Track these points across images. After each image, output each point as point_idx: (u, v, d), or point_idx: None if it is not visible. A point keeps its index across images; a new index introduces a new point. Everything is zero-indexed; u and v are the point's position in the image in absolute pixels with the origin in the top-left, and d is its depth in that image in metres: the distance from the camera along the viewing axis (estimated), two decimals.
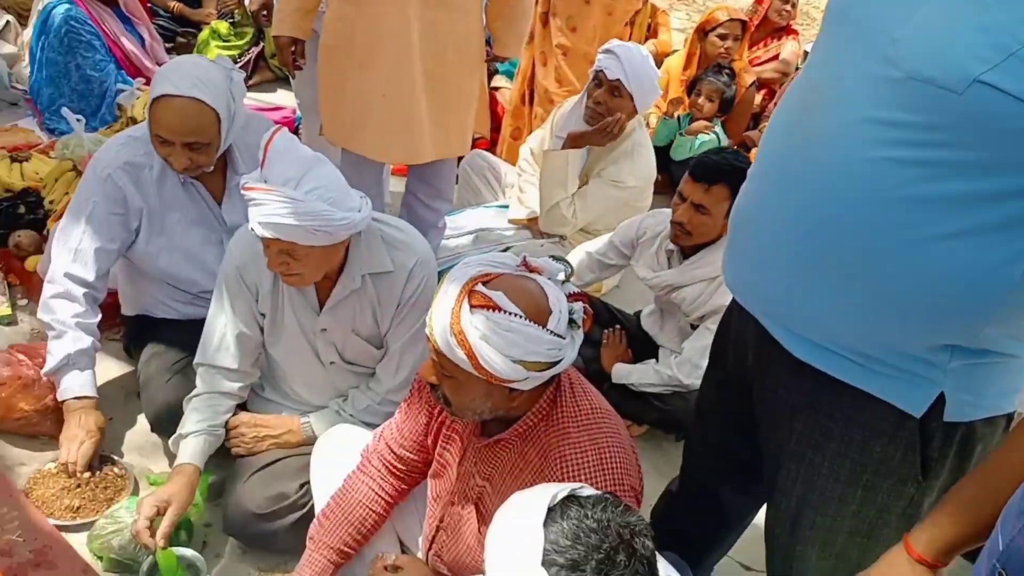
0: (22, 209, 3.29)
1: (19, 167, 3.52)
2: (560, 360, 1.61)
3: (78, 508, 2.33)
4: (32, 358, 2.55)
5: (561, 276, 1.66)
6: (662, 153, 4.71)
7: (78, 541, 2.24)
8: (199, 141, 2.35)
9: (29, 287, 3.10)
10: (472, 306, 1.56)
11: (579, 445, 1.69)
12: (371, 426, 2.32)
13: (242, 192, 2.06)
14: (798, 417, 1.54)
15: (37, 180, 3.47)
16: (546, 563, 1.22)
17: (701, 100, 4.58)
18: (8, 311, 3.02)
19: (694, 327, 2.86)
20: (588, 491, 1.32)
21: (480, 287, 1.57)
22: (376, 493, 2.00)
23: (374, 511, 2.00)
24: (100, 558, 2.23)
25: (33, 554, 2.10)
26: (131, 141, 2.52)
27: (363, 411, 2.38)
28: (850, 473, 1.51)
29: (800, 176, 1.40)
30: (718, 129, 4.61)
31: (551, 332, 1.58)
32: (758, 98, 4.97)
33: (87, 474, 2.40)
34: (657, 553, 1.33)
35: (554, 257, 1.72)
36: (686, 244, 2.79)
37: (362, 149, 3.02)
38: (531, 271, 1.65)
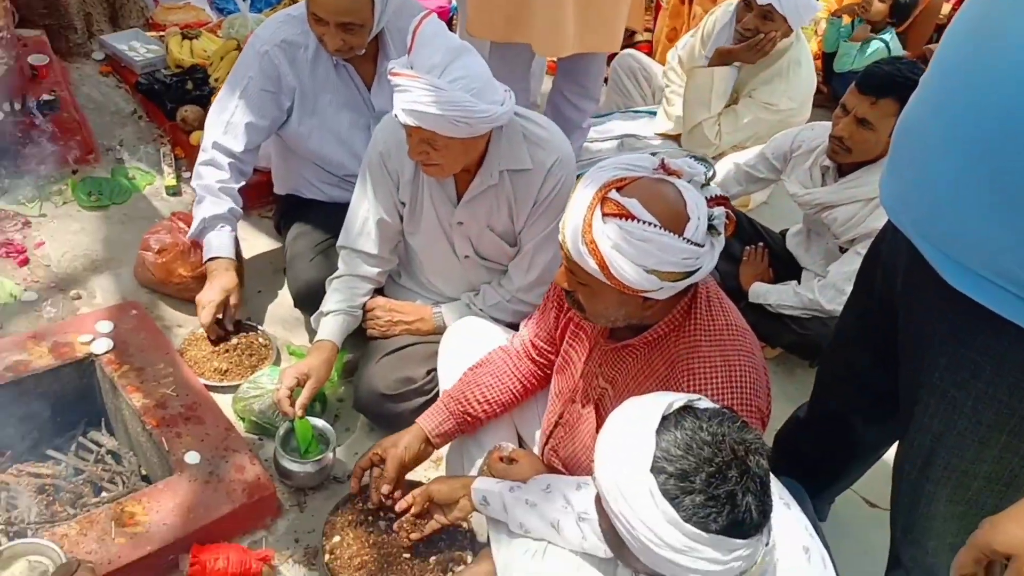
0: (190, 85, 3.45)
1: (189, 44, 3.67)
2: (697, 269, 1.55)
3: (225, 371, 2.50)
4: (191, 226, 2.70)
5: (702, 178, 1.59)
6: (829, 62, 4.40)
7: (223, 401, 2.41)
8: (353, 22, 2.37)
9: (193, 160, 3.27)
10: (604, 214, 1.51)
11: (709, 360, 1.65)
12: (499, 322, 2.36)
13: (389, 77, 2.07)
14: (944, 351, 1.44)
15: (205, 57, 3.62)
16: (655, 470, 1.20)
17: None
18: (173, 182, 3.21)
19: (842, 250, 2.71)
20: (705, 403, 1.29)
21: (613, 194, 1.52)
22: (511, 370, 2.05)
23: (506, 385, 2.05)
24: (242, 419, 2.39)
25: (184, 409, 2.27)
26: (289, 20, 2.57)
27: (493, 307, 2.41)
28: (995, 416, 1.40)
29: (985, 79, 1.25)
30: (888, 36, 4.24)
31: (688, 240, 1.51)
32: (946, 7, 4.53)
33: (234, 340, 2.57)
34: (772, 475, 1.29)
35: (696, 158, 1.64)
36: (844, 161, 2.62)
37: (505, 36, 2.97)
38: (670, 174, 1.58)
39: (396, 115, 2.04)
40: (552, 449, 2.00)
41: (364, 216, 2.39)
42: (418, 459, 2.08)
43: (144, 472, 2.33)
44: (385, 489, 2.05)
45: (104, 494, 2.24)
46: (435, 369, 2.32)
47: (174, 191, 3.20)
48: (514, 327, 2.27)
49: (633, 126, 3.73)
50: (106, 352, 2.38)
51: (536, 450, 2.13)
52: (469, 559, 2.11)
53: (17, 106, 3.11)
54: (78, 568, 1.71)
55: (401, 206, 2.39)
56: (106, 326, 2.44)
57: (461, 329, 2.32)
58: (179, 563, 1.97)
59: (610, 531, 1.32)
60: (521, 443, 2.23)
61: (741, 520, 1.19)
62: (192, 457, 2.15)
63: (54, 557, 1.86)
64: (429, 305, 2.48)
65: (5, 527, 2.10)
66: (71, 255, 2.88)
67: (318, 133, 2.66)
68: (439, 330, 2.41)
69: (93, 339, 2.40)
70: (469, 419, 2.07)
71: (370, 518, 2.16)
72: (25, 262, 2.81)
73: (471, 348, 2.22)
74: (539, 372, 2.09)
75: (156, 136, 3.44)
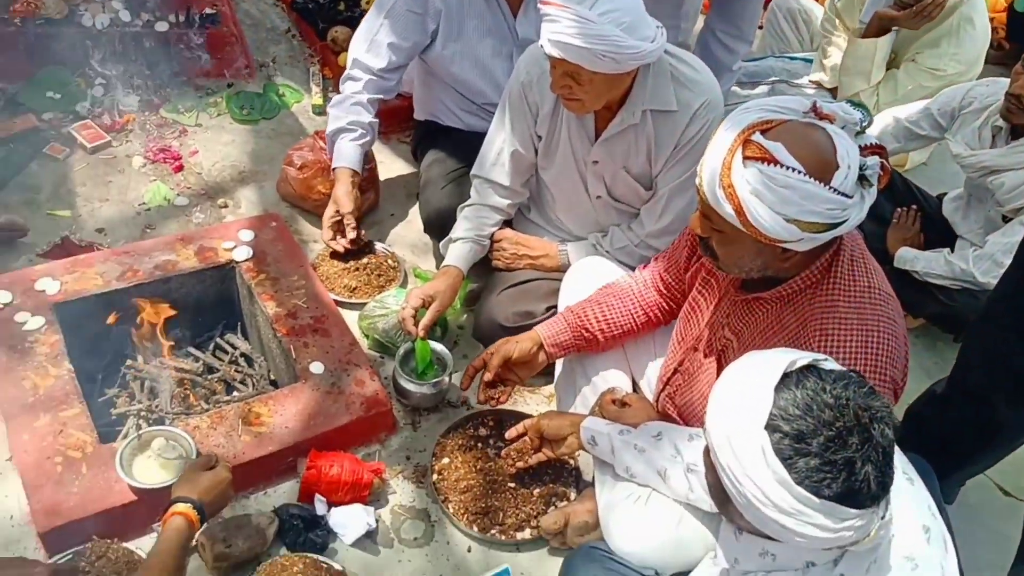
0: (342, 6, 3.51)
1: None
2: (842, 222, 1.46)
3: (354, 288, 2.58)
4: None
5: (857, 125, 1.48)
6: (1017, 17, 4.03)
7: (349, 317, 2.49)
8: None
9: (339, 80, 3.33)
10: (746, 157, 1.44)
11: (845, 322, 1.56)
12: (625, 265, 2.32)
13: (539, 5, 2.03)
14: None
15: None
16: (769, 427, 1.15)
17: None
18: (320, 101, 3.30)
19: (1005, 220, 2.50)
20: (832, 365, 1.22)
21: (757, 136, 1.44)
22: (636, 296, 2.03)
23: (627, 309, 2.03)
24: (366, 336, 2.47)
25: (313, 320, 2.36)
26: None
27: (620, 250, 2.36)
28: None
29: None
30: None
31: (834, 190, 1.42)
32: None
33: (364, 259, 2.64)
34: (898, 448, 1.22)
35: (852, 103, 1.52)
36: (1019, 122, 2.40)
37: None
38: (821, 118, 1.48)
39: (541, 45, 2.00)
40: (668, 396, 1.97)
41: (499, 147, 2.38)
42: (526, 360, 2.08)
43: (272, 377, 2.45)
44: (487, 377, 2.07)
45: (235, 393, 2.37)
46: (555, 306, 2.31)
47: (320, 110, 3.28)
48: None
49: (787, 72, 3.54)
50: (246, 260, 2.49)
51: (650, 396, 2.10)
52: (572, 496, 2.13)
53: (181, 18, 3.24)
54: (216, 463, 1.81)
55: (537, 140, 2.36)
56: (248, 235, 2.55)
57: (585, 268, 2.30)
58: (297, 466, 2.07)
59: (716, 485, 1.29)
60: (635, 387, 2.20)
61: (857, 489, 1.13)
62: (317, 367, 2.24)
63: (185, 446, 1.99)
64: (555, 242, 2.46)
65: (146, 413, 2.26)
66: (221, 165, 3.01)
67: (460, 59, 2.66)
68: (563, 268, 2.40)
69: (235, 246, 2.51)
70: (586, 335, 2.06)
71: (479, 444, 2.20)
72: (180, 168, 2.97)
73: (593, 287, 2.19)
74: (663, 305, 2.05)
75: (307, 55, 3.52)
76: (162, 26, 3.20)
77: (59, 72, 3.11)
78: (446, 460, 2.17)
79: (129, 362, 2.40)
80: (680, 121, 2.16)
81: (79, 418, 2.06)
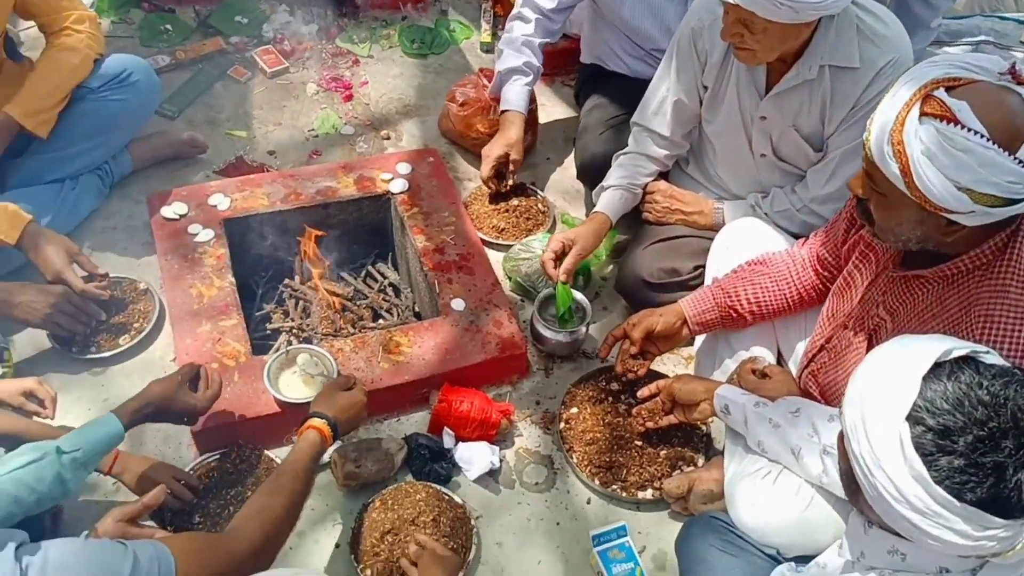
0: None
1: None
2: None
3: (502, 229, 2.58)
4: None
5: None
6: None
7: (494, 258, 2.50)
8: None
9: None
10: (923, 114, 1.30)
11: (1016, 310, 1.42)
12: (784, 231, 2.20)
13: None
14: None
15: None
16: (912, 419, 1.06)
17: None
18: (488, 38, 3.29)
19: None
20: (994, 358, 1.10)
21: (940, 92, 1.31)
22: (792, 276, 1.94)
23: (781, 291, 1.94)
24: (509, 278, 2.47)
25: (459, 257, 2.38)
26: None
27: (780, 213, 2.24)
28: None
29: None
30: None
31: (1020, 162, 1.27)
32: None
33: (515, 201, 2.63)
34: None
35: None
36: None
37: None
38: (1020, 83, 1.32)
39: None
40: (811, 373, 1.87)
41: (663, 95, 2.29)
42: (668, 335, 2.04)
43: (417, 309, 2.51)
44: (633, 350, 2.04)
45: (380, 321, 2.44)
46: (702, 266, 2.23)
47: (487, 47, 3.27)
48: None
49: (995, 33, 3.21)
50: (401, 192, 2.54)
51: (794, 370, 2.00)
52: (700, 462, 2.07)
53: None
54: (354, 385, 1.88)
55: (703, 90, 2.26)
56: (405, 168, 2.60)
57: (740, 230, 2.20)
58: (429, 397, 2.11)
59: (847, 472, 1.21)
60: (779, 359, 2.10)
61: (1005, 497, 1.02)
62: (458, 304, 2.27)
63: (328, 366, 2.08)
64: (711, 199, 2.36)
65: (297, 331, 2.37)
66: (387, 97, 3.08)
67: (632, 1, 2.56)
68: (716, 226, 2.30)
69: (392, 178, 2.57)
70: (734, 315, 1.99)
71: (610, 398, 2.18)
72: (349, 98, 3.05)
73: (746, 250, 2.10)
74: (819, 286, 1.94)
75: None
76: None
77: None
78: (575, 410, 2.15)
79: (287, 281, 2.52)
80: (861, 80, 1.99)
81: (236, 329, 2.19)
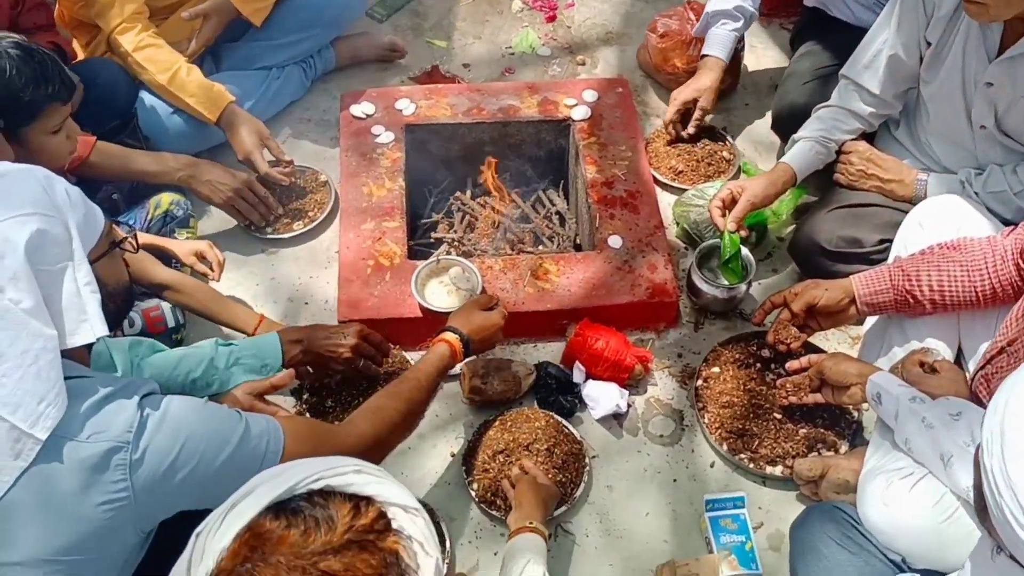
0: None
1: None
2: None
3: (680, 172, 2.46)
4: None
5: None
6: None
7: (665, 200, 2.40)
8: None
9: None
10: None
11: None
12: (995, 215, 1.94)
13: None
14: None
15: None
16: None
17: None
18: None
19: None
20: None
21: None
22: (988, 266, 1.72)
23: (972, 282, 1.73)
24: (676, 223, 2.36)
25: (626, 194, 2.30)
26: None
27: (993, 195, 1.97)
28: None
29: None
30: None
31: None
32: None
33: (700, 144, 2.50)
34: None
35: None
36: None
37: None
38: None
39: None
40: (985, 376, 1.66)
41: (878, 47, 2.07)
42: (832, 311, 1.89)
43: (578, 241, 2.46)
44: (784, 316, 1.91)
45: (540, 248, 2.42)
46: (890, 241, 2.02)
47: None
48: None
49: None
50: (582, 119, 2.48)
51: (970, 370, 1.79)
52: (842, 449, 1.92)
53: None
54: (496, 305, 1.88)
55: (925, 46, 2.01)
56: (591, 96, 2.53)
57: (941, 206, 1.96)
58: (566, 329, 2.08)
59: (977, 487, 1.06)
60: (959, 356, 1.88)
61: None
62: (615, 240, 2.20)
63: (474, 281, 2.09)
64: (916, 168, 2.12)
65: (457, 243, 2.40)
66: (591, 23, 2.99)
67: None
68: (914, 200, 2.07)
69: (576, 104, 2.51)
70: (911, 301, 1.80)
71: (758, 364, 2.05)
72: (552, 19, 2.99)
73: (944, 231, 1.88)
74: (1018, 282, 1.71)
75: None
76: None
77: None
78: (716, 369, 2.05)
79: (458, 194, 2.55)
80: None
81: (397, 231, 2.24)
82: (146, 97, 2.34)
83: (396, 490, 0.92)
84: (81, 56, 2.42)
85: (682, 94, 2.44)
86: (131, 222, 2.17)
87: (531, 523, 1.64)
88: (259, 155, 2.29)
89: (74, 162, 1.97)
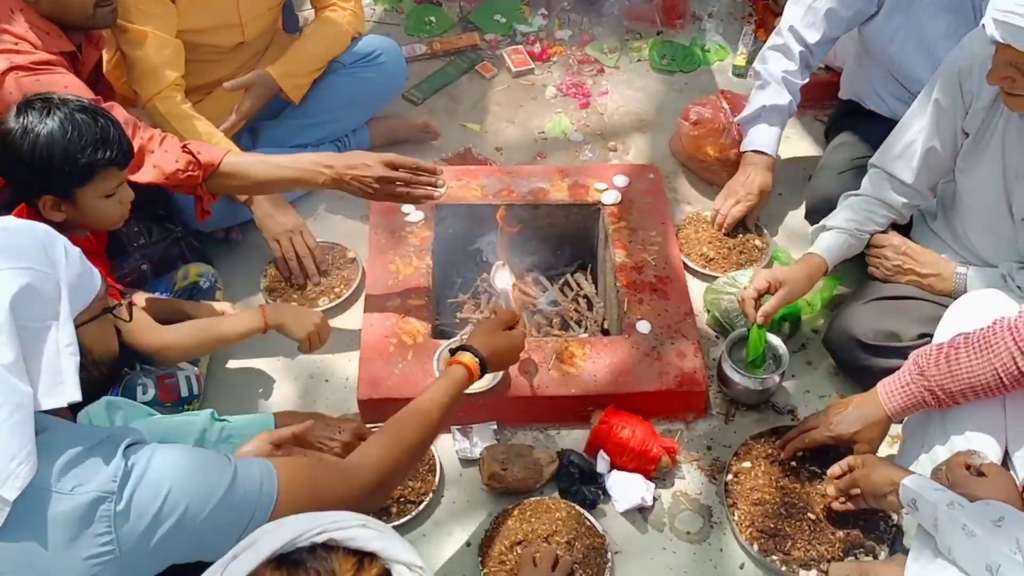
0: None
1: None
2: None
3: (711, 259, 2.43)
4: (735, 109, 2.61)
5: None
6: None
7: (696, 287, 2.35)
8: None
9: None
10: None
11: None
12: None
13: None
14: None
15: None
16: None
17: None
18: (743, 62, 3.12)
19: None
20: None
21: None
22: (1012, 357, 1.62)
23: (997, 375, 1.64)
24: (707, 311, 2.31)
25: (656, 279, 2.26)
26: None
27: None
28: None
29: None
30: None
31: None
32: None
33: (732, 235, 2.47)
34: None
35: None
36: None
37: None
38: None
39: (984, 24, 1.65)
40: None
41: (912, 137, 2.04)
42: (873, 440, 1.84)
43: (606, 325, 2.41)
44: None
45: (567, 332, 2.38)
46: (930, 336, 1.95)
47: (740, 71, 3.11)
48: None
49: None
50: (612, 204, 2.46)
51: (1018, 471, 1.69)
52: (881, 555, 1.81)
53: None
54: (516, 325, 1.83)
55: (963, 136, 1.98)
56: (622, 181, 2.52)
57: (983, 302, 1.89)
58: (591, 416, 2.01)
59: None
60: (1006, 458, 1.78)
61: None
62: (643, 326, 2.15)
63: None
64: (954, 261, 2.06)
65: None
66: (624, 109, 3.01)
67: (904, 35, 2.31)
68: (955, 294, 2.01)
69: (606, 189, 2.49)
70: (942, 397, 1.73)
71: (792, 462, 1.96)
72: (586, 106, 3.02)
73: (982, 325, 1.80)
74: None
75: (745, 14, 3.35)
76: None
77: None
78: (747, 464, 1.96)
79: (484, 275, 2.52)
80: None
81: (422, 310, 2.22)
82: None
83: (401, 547, 0.89)
84: None
85: (751, 197, 2.44)
86: (157, 292, 2.17)
87: None
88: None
89: (207, 169, 1.98)
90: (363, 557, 0.87)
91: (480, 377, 1.70)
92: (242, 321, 2.00)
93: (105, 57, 2.49)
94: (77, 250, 1.29)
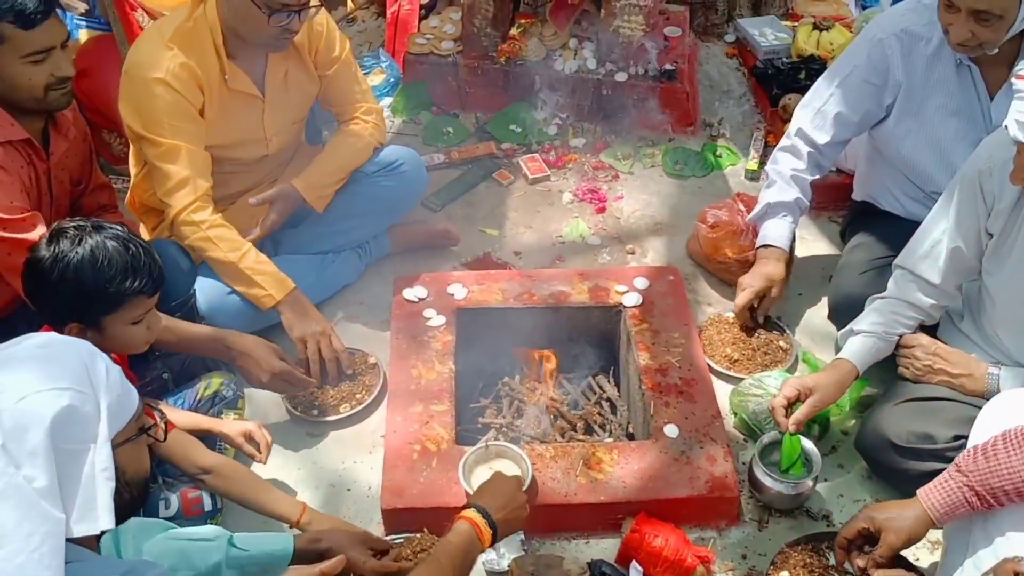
0: (803, 74, 3.35)
1: (818, 35, 3.54)
2: None
3: (735, 361, 2.41)
4: (751, 211, 2.63)
5: None
6: None
7: (722, 389, 2.33)
8: (989, 11, 1.98)
9: None
10: None
11: None
12: None
13: (1012, 80, 1.71)
14: None
15: (829, 50, 3.47)
16: None
17: None
18: (755, 166, 3.18)
19: None
20: None
21: None
22: None
23: None
24: (734, 413, 2.28)
25: (681, 382, 2.24)
26: (918, 8, 2.29)
27: None
28: None
29: None
30: None
31: None
32: None
33: (756, 334, 2.46)
34: None
35: None
36: None
37: None
38: None
39: (1006, 126, 1.68)
40: None
41: (937, 238, 2.05)
42: (915, 541, 1.76)
43: (631, 430, 2.38)
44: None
45: (593, 436, 2.34)
46: (965, 437, 1.91)
47: (753, 175, 3.16)
48: None
49: None
50: (633, 306, 2.46)
51: None
52: None
53: (641, 71, 3.35)
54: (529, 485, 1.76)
55: (987, 237, 1.99)
56: (642, 283, 2.53)
57: (1018, 400, 1.86)
58: (622, 524, 1.96)
59: None
60: None
61: None
62: (671, 430, 2.12)
63: (523, 469, 1.99)
64: (986, 362, 2.04)
65: (506, 429, 2.33)
66: (640, 213, 3.05)
67: (914, 138, 2.36)
68: (988, 394, 1.98)
69: (627, 291, 2.50)
70: (990, 502, 1.67)
71: (829, 569, 1.89)
72: (602, 211, 3.06)
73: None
74: None
75: (755, 121, 3.43)
76: (621, 76, 3.34)
77: (524, 109, 3.41)
78: (785, 573, 1.89)
79: (506, 379, 2.51)
80: None
81: (445, 415, 2.19)
82: (202, 280, 2.39)
83: None
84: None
85: (755, 282, 2.42)
86: (180, 402, 2.15)
87: None
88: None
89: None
90: None
91: (492, 541, 1.63)
92: (281, 506, 1.91)
93: (132, 171, 2.56)
94: (117, 368, 1.28)
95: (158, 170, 2.32)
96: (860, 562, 1.76)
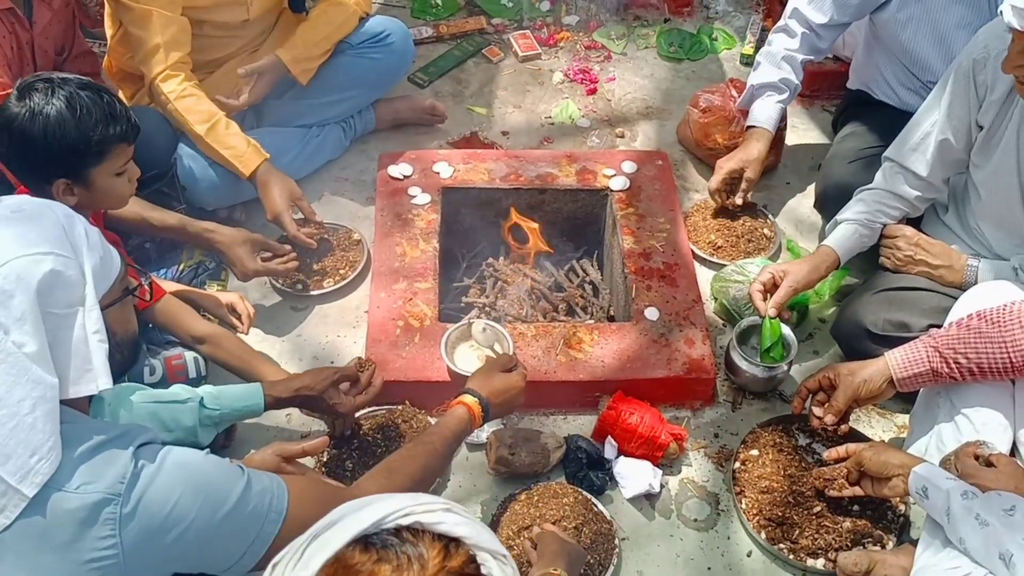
0: None
1: None
2: None
3: (719, 247, 2.42)
4: None
5: None
6: None
7: (704, 274, 2.35)
8: None
9: None
10: None
11: None
12: None
13: None
14: None
15: None
16: None
17: None
18: (751, 51, 3.08)
19: None
20: None
21: None
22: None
23: (1007, 356, 1.66)
24: (715, 298, 2.30)
25: (664, 266, 2.26)
26: None
27: None
28: None
29: None
30: None
31: None
32: None
33: (740, 219, 2.46)
34: None
35: None
36: None
37: None
38: None
39: (1001, 11, 1.64)
40: None
41: (927, 130, 2.03)
42: (874, 398, 1.84)
43: (612, 313, 2.40)
44: (829, 420, 1.83)
45: (575, 317, 2.36)
46: (939, 326, 1.94)
47: (748, 60, 3.09)
48: None
49: None
50: (620, 190, 2.44)
51: None
52: (889, 545, 1.81)
53: None
54: (516, 367, 1.79)
55: (977, 129, 1.97)
56: (630, 167, 2.50)
57: (992, 294, 1.88)
58: (599, 402, 2.00)
59: None
60: (1014, 450, 1.79)
61: None
62: (652, 313, 2.14)
63: (505, 347, 2.03)
64: (965, 254, 2.05)
65: (489, 309, 2.35)
66: (631, 96, 2.99)
67: (916, 24, 2.30)
68: (965, 286, 2.00)
69: (615, 175, 2.48)
70: (952, 377, 1.75)
71: (797, 449, 1.96)
72: (593, 92, 3.00)
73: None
74: None
75: (754, 2, 3.33)
76: None
77: None
78: (755, 452, 1.96)
79: (491, 259, 2.51)
80: None
81: (429, 293, 2.20)
82: (184, 147, 2.34)
83: (486, 534, 0.86)
84: None
85: (728, 163, 2.41)
86: (163, 272, 2.14)
87: (556, 570, 1.50)
88: (288, 216, 2.26)
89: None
90: (449, 542, 0.83)
91: (484, 422, 1.68)
92: (272, 375, 1.92)
93: (108, 32, 2.47)
94: (96, 230, 1.26)
95: (132, 36, 2.25)
96: (817, 410, 1.86)
